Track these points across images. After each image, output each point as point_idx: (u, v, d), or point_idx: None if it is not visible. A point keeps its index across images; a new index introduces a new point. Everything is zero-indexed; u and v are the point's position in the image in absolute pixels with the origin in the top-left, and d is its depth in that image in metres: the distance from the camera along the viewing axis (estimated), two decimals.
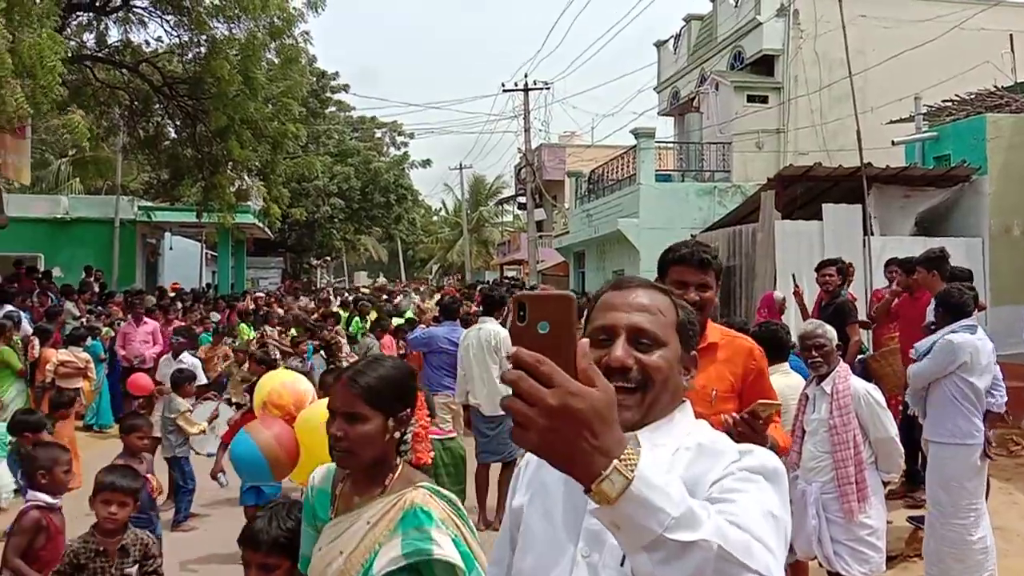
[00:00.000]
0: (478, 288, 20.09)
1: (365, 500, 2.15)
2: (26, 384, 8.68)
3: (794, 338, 5.30)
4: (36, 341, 9.05)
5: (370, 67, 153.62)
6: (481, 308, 8.21)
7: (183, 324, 13.22)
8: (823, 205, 10.63)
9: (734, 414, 2.55)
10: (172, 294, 19.60)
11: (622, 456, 1.08)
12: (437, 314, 9.54)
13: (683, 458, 1.46)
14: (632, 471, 1.07)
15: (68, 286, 17.53)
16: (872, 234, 10.27)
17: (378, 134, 39.13)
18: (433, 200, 61.50)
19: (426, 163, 38.25)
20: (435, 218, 64.99)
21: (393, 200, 35.37)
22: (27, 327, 9.92)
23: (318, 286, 44.53)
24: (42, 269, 20.14)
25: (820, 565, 4.85)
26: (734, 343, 3.01)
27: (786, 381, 4.91)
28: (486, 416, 7.27)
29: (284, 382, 5.01)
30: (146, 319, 12.60)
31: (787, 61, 19.33)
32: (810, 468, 4.71)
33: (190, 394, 7.84)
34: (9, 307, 11.72)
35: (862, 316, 9.07)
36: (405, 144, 39.01)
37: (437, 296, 19.91)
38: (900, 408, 7.15)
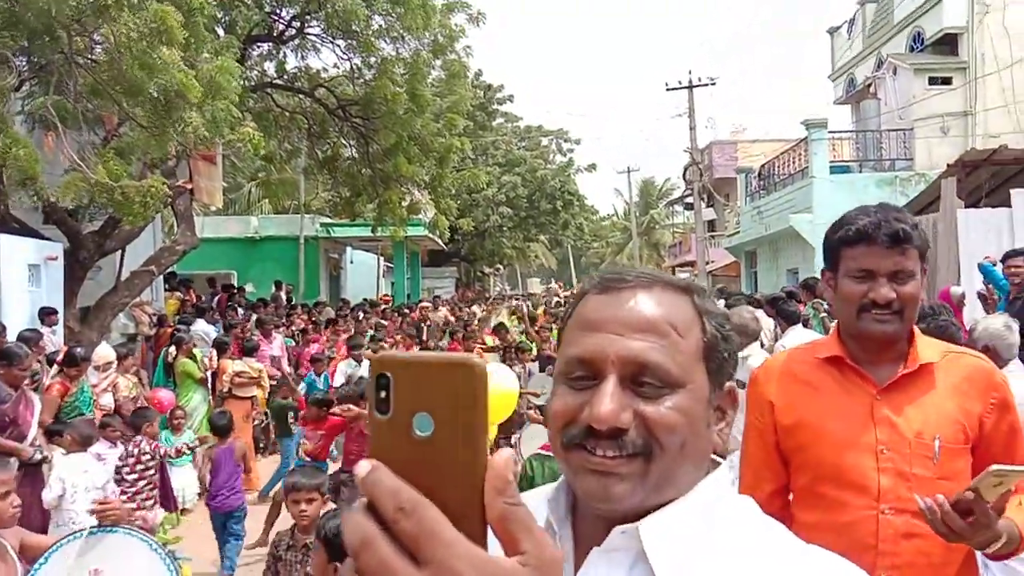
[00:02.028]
0: None
1: None
2: (207, 393, 9.35)
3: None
4: (214, 353, 9.71)
5: (532, 77, 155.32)
6: None
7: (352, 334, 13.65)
8: (1011, 191, 9.76)
9: (941, 498, 1.70)
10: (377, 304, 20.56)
11: None
12: None
13: None
14: None
15: (262, 299, 18.81)
16: None
17: (544, 142, 39.43)
18: (605, 205, 61.55)
19: (591, 167, 38.08)
20: (605, 223, 64.90)
21: (559, 206, 35.48)
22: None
23: (491, 293, 45.49)
24: (236, 286, 21.71)
25: None
26: (962, 363, 2.01)
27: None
28: None
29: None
30: (275, 334, 12.21)
31: (972, 38, 17.93)
32: None
33: None
34: (202, 321, 12.68)
35: None
36: (571, 151, 39.14)
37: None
38: None
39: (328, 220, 25.34)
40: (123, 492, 5.97)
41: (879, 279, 1.92)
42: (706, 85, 28.70)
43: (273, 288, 20.98)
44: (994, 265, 8.01)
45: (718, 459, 1.06)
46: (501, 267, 52.36)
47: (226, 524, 6.23)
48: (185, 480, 7.84)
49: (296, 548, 3.71)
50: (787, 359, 2.16)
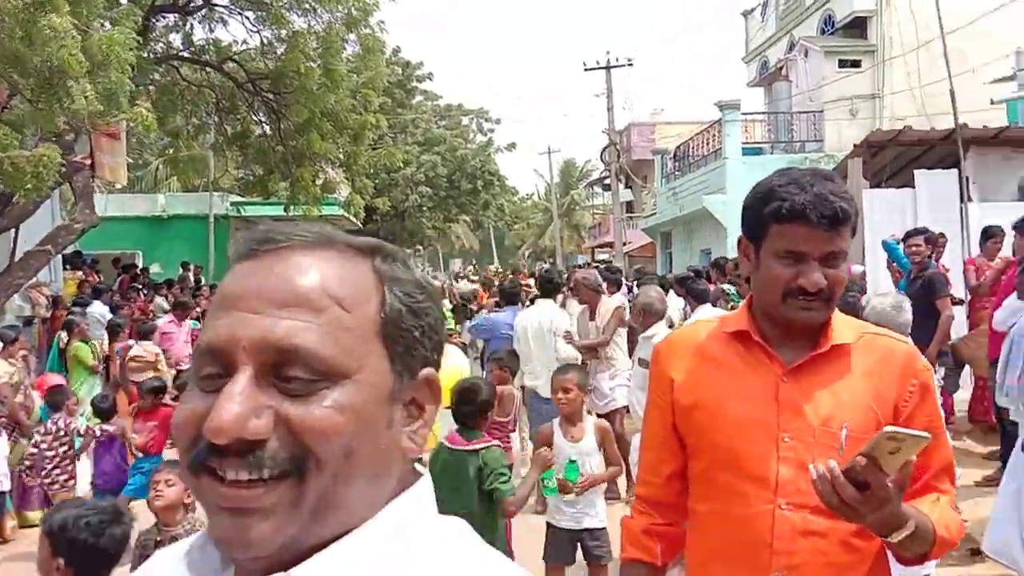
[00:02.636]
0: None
1: None
2: (101, 380, 8.89)
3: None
4: (105, 336, 9.26)
5: (453, 56, 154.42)
6: (539, 291, 8.09)
7: None
8: (915, 171, 9.95)
9: (832, 463, 1.52)
10: None
11: None
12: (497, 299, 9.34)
13: None
14: None
15: (168, 280, 18.15)
16: (970, 200, 9.55)
17: (465, 121, 39.11)
18: (527, 186, 61.61)
19: (511, 147, 37.99)
20: (527, 204, 64.96)
21: (480, 187, 35.28)
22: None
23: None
24: (140, 266, 20.94)
25: None
26: (879, 344, 1.82)
27: None
28: (543, 397, 7.04)
29: None
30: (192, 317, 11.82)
31: (880, 21, 18.31)
32: None
33: None
34: (98, 303, 12.12)
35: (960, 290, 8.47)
36: (492, 130, 38.92)
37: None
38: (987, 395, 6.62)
39: (239, 199, 24.63)
40: (41, 469, 6.06)
41: (810, 263, 1.69)
42: (623, 66, 28.80)
43: (180, 269, 20.29)
44: (898, 243, 8.14)
45: (419, 469, 0.83)
46: (421, 248, 51.96)
47: None
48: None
49: (165, 544, 3.44)
50: (693, 332, 2.00)
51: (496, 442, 3.82)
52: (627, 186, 34.52)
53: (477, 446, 3.79)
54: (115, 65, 8.17)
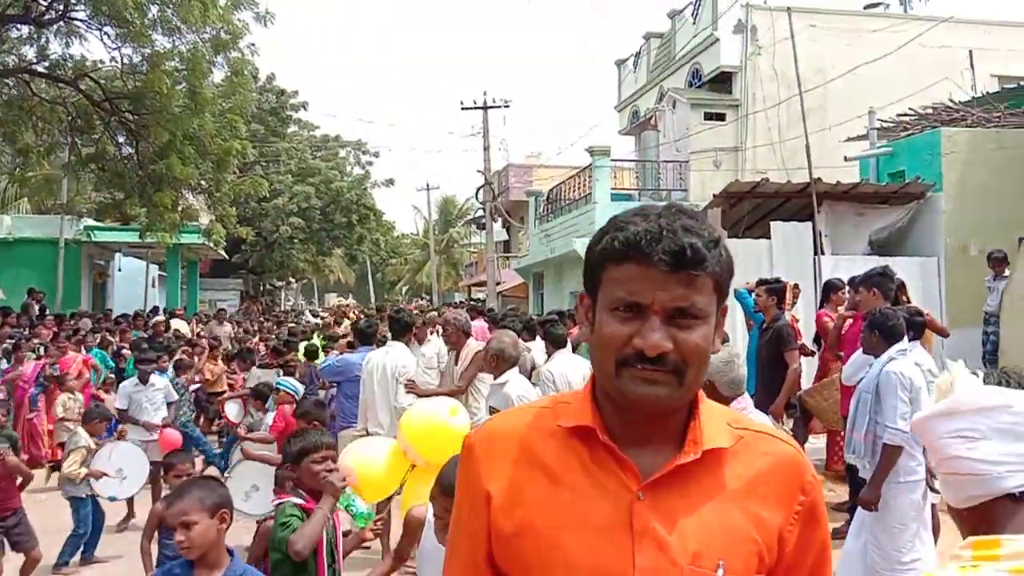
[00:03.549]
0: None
1: None
2: None
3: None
4: None
5: (331, 88, 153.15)
6: (390, 332, 7.58)
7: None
8: (771, 223, 10.18)
9: None
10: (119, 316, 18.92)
11: None
12: (351, 339, 8.91)
13: None
14: None
15: (6, 308, 16.82)
16: (823, 253, 9.82)
17: (342, 153, 38.51)
18: (407, 222, 61.15)
19: (389, 182, 37.61)
20: (405, 240, 64.51)
21: (355, 220, 34.72)
22: None
23: (282, 308, 43.79)
24: None
25: None
26: (760, 450, 1.38)
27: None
28: None
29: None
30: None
31: (745, 78, 19.01)
32: None
33: (99, 431, 7.30)
34: None
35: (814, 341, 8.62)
36: (370, 164, 38.44)
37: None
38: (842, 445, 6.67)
39: (93, 223, 23.31)
40: None
41: (650, 317, 1.26)
42: (500, 107, 28.98)
43: (26, 296, 18.92)
44: (750, 293, 8.22)
45: None
46: (294, 280, 50.62)
47: None
48: None
49: None
50: (519, 422, 1.43)
51: (290, 499, 3.44)
52: (504, 226, 34.64)
53: (274, 504, 3.48)
54: None
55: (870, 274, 6.34)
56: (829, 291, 8.18)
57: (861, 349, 5.37)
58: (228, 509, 2.90)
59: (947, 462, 1.44)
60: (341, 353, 8.86)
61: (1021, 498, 1.35)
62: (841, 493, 7.10)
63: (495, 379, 5.72)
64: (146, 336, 14.65)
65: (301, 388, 7.62)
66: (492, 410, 5.53)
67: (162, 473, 6.05)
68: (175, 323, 18.35)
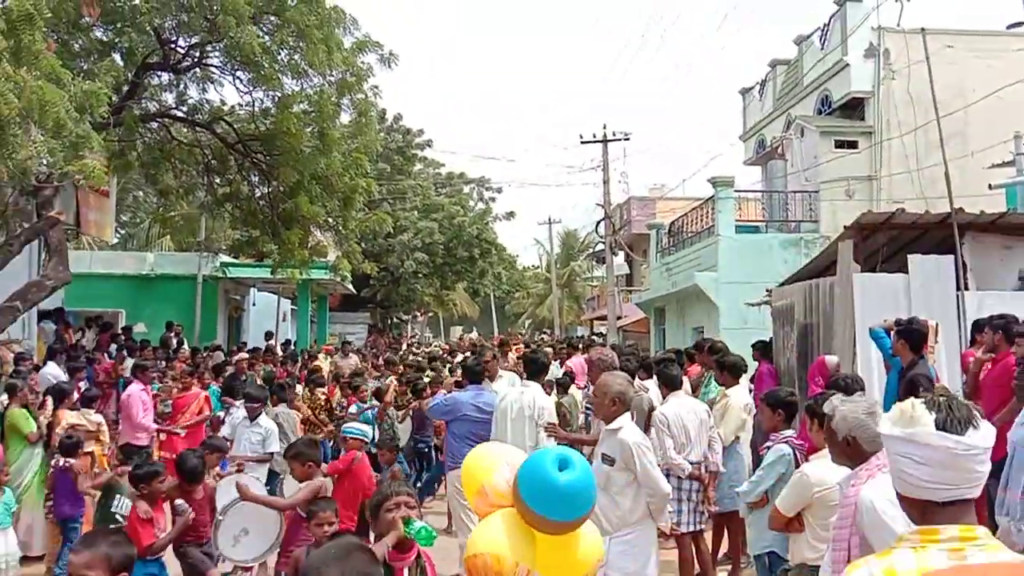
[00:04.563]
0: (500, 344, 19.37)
1: None
2: (43, 449, 8.30)
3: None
4: (49, 401, 8.71)
5: (453, 125, 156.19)
6: (525, 372, 7.50)
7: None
8: (908, 256, 9.50)
9: None
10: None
11: None
12: (460, 377, 8.77)
13: None
14: None
15: (144, 341, 17.68)
16: (967, 288, 9.09)
17: (466, 190, 39.07)
18: (529, 256, 61.48)
19: (510, 215, 37.83)
20: (527, 273, 64.81)
21: (477, 254, 35.05)
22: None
23: (409, 341, 44.58)
24: (122, 325, 20.49)
25: None
26: None
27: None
28: None
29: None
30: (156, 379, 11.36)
31: (878, 103, 18.14)
32: None
33: (212, 464, 7.35)
34: (52, 364, 11.61)
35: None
36: (493, 199, 38.82)
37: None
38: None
39: (228, 260, 24.33)
40: None
41: None
42: (620, 140, 28.70)
43: (165, 329, 19.87)
44: (887, 332, 7.65)
45: None
46: (418, 314, 51.50)
47: None
48: (6, 546, 6.87)
49: None
50: None
51: None
52: (626, 259, 34.24)
53: None
54: (70, 117, 7.81)
55: (994, 318, 5.82)
56: (975, 331, 7.56)
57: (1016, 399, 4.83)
58: (129, 572, 2.89)
59: (897, 469, 2.05)
60: (449, 391, 8.74)
61: (943, 504, 1.95)
62: None
63: (607, 424, 5.41)
64: (274, 371, 15.03)
65: (369, 431, 7.60)
66: (605, 457, 5.23)
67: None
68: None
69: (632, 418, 5.56)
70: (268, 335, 22.70)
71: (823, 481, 4.01)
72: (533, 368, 7.26)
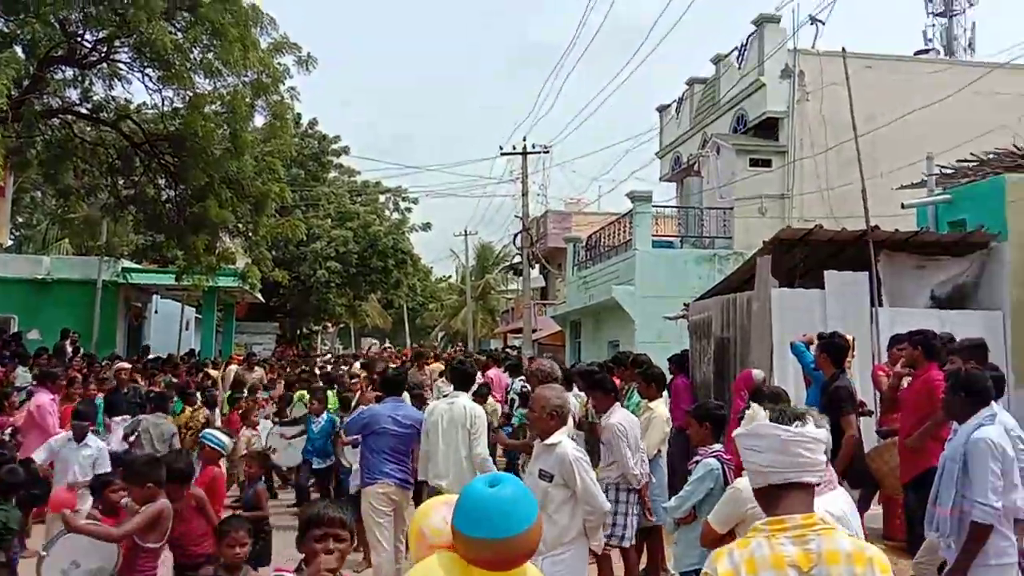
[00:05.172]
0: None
1: None
2: None
3: None
4: None
5: (371, 133, 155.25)
6: (453, 383, 7.52)
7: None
8: (825, 272, 9.64)
9: None
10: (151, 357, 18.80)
11: None
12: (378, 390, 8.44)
13: None
14: None
15: (43, 349, 16.71)
16: (881, 304, 9.26)
17: (382, 199, 38.53)
18: (443, 267, 60.99)
19: (426, 227, 37.44)
20: (442, 285, 64.36)
21: (392, 265, 34.54)
22: None
23: (318, 352, 43.64)
24: (12, 331, 19.40)
25: None
26: None
27: None
28: None
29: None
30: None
31: (792, 123, 18.56)
32: None
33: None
34: None
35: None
36: (409, 210, 38.38)
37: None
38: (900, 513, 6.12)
39: (130, 265, 23.33)
40: None
41: None
42: (539, 152, 28.77)
43: (60, 337, 18.85)
44: (808, 345, 7.70)
45: None
46: (329, 325, 50.53)
47: None
48: None
49: None
50: None
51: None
52: (542, 273, 34.28)
53: None
54: None
55: (913, 333, 5.92)
56: (891, 345, 7.71)
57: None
58: None
59: (746, 463, 2.41)
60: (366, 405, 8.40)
61: (780, 487, 2.30)
62: (904, 566, 6.48)
63: (544, 439, 5.11)
64: (176, 381, 14.38)
65: (230, 443, 7.24)
66: (543, 473, 4.98)
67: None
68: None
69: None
70: (146, 349, 21.74)
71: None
72: (461, 379, 7.24)
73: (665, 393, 8.43)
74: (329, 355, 40.71)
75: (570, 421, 5.77)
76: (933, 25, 30.89)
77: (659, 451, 7.50)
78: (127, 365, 12.95)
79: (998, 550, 4.20)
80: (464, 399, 6.92)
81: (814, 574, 2.16)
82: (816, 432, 2.37)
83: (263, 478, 7.69)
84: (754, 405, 2.52)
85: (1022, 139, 13.98)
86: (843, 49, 11.00)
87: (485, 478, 2.58)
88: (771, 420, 2.36)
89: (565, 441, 5.02)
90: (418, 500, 6.94)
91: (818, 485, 2.90)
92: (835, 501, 3.16)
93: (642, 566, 7.51)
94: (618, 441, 6.38)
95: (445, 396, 7.40)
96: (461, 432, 6.65)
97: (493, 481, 2.52)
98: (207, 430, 7.28)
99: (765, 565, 2.17)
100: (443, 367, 16.14)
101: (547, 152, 28.62)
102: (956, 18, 30.78)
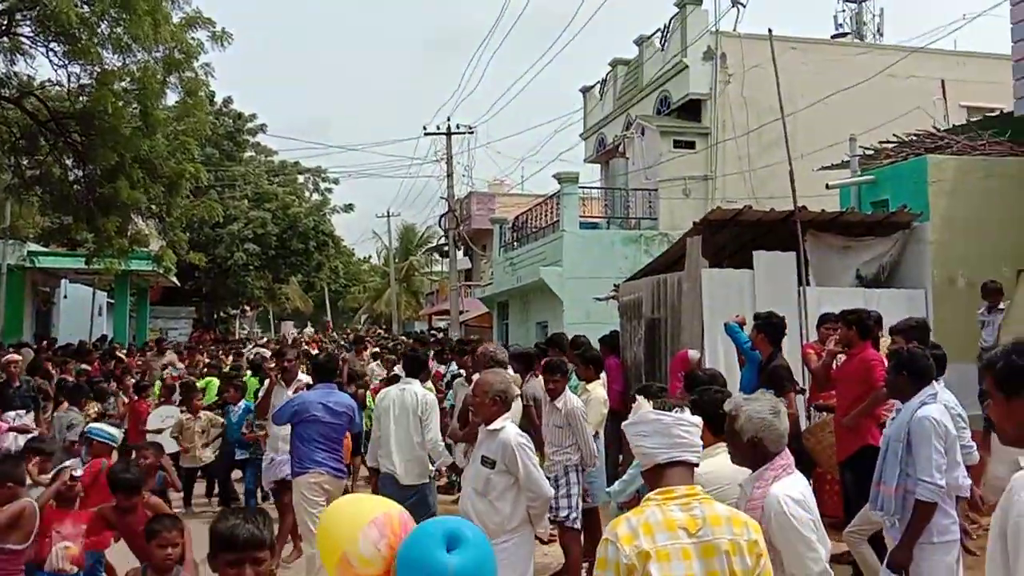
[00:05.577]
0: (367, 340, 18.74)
1: None
2: None
3: None
4: None
5: (290, 113, 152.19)
6: (404, 370, 7.67)
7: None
8: (754, 252, 9.71)
9: None
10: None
11: None
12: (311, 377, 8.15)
13: None
14: None
15: None
16: (808, 284, 9.37)
17: (300, 180, 37.68)
18: (365, 248, 60.14)
19: (348, 208, 36.84)
20: (364, 267, 63.53)
21: (313, 247, 33.88)
22: None
23: (237, 337, 42.56)
24: None
25: None
26: None
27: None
28: (403, 485, 6.55)
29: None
30: None
31: (714, 105, 18.73)
32: None
33: None
34: None
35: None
36: (330, 190, 37.64)
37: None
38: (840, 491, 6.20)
39: (38, 248, 22.29)
40: None
41: None
42: (464, 133, 28.48)
43: None
44: (741, 326, 7.73)
45: None
46: (247, 309, 49.40)
47: None
48: None
49: None
50: None
51: None
52: (466, 254, 34.07)
53: None
54: None
55: (846, 312, 6.02)
56: (820, 324, 7.81)
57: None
58: None
59: (635, 447, 2.78)
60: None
61: (665, 465, 2.67)
62: (837, 542, 6.57)
63: (488, 424, 4.95)
64: (89, 370, 13.76)
65: (119, 435, 7.01)
66: (485, 460, 4.83)
67: None
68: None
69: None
70: (51, 341, 20.68)
71: (712, 481, 3.82)
72: (413, 366, 7.36)
73: (603, 374, 8.39)
74: (265, 341, 39.53)
75: (515, 405, 5.62)
76: (844, 11, 31.63)
77: (596, 432, 7.45)
78: (17, 357, 12.11)
79: (941, 528, 4.24)
80: (416, 386, 6.98)
81: (700, 534, 2.52)
82: (693, 418, 2.80)
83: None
84: (639, 398, 3.07)
85: (937, 121, 14.39)
86: (769, 31, 11.08)
87: (442, 532, 2.30)
88: (654, 408, 2.86)
89: (508, 427, 4.90)
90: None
91: (696, 466, 2.81)
92: (795, 485, 3.12)
93: None
94: (581, 424, 6.38)
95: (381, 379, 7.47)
96: (412, 419, 6.71)
97: (451, 542, 2.25)
98: (93, 424, 7.22)
99: (660, 528, 2.51)
100: (376, 351, 15.92)
101: (471, 133, 28.39)
102: (865, 4, 31.57)
